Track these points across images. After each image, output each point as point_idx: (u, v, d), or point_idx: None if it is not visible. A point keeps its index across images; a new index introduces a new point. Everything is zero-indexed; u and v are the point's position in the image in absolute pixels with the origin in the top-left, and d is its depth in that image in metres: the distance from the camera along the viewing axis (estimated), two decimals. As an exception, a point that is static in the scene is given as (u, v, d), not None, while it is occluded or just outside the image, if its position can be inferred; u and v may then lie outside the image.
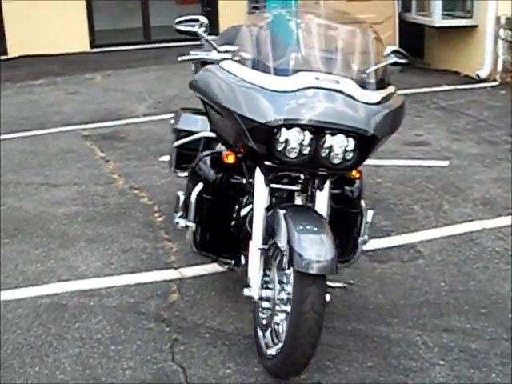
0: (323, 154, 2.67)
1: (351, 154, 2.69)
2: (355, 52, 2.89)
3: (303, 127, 2.62)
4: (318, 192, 2.87)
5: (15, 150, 6.57)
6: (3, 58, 12.17)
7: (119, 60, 11.43)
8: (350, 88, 2.70)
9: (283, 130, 2.61)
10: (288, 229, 2.62)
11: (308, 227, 2.63)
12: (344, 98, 2.66)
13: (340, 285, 3.50)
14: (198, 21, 3.06)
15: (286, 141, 2.63)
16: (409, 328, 3.12)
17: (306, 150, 2.65)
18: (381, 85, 2.86)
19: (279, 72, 2.71)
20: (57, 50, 11.95)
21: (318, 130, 2.63)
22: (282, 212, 2.73)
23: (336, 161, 2.68)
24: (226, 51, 2.95)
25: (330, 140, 2.64)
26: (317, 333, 2.56)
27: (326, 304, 2.65)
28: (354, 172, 3.04)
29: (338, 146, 2.65)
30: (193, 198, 3.00)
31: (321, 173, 2.80)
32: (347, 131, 2.63)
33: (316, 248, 2.54)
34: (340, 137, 2.65)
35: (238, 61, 2.82)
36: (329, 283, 3.30)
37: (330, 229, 2.67)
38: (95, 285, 3.73)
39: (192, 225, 3.04)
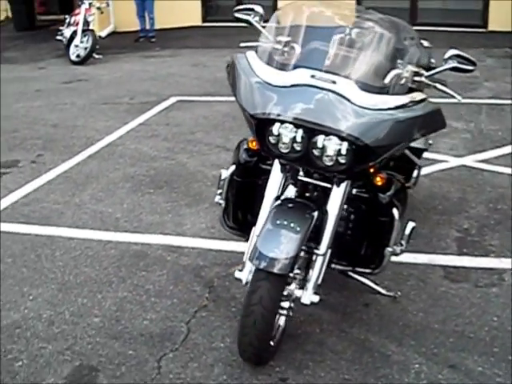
0: (316, 154, 2.64)
1: (345, 158, 2.61)
2: (373, 54, 2.75)
3: (296, 124, 2.62)
4: (334, 188, 2.84)
5: (220, 112, 7.21)
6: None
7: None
8: (347, 90, 2.60)
9: (277, 124, 2.64)
10: (265, 220, 2.68)
11: (284, 223, 2.65)
12: (337, 99, 2.58)
13: (390, 294, 3.40)
14: (253, 10, 3.16)
15: (279, 135, 2.65)
16: (416, 354, 2.93)
17: (299, 147, 2.65)
18: (401, 90, 2.69)
19: (282, 67, 2.73)
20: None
21: (310, 129, 2.61)
22: (275, 203, 2.79)
23: (328, 162, 2.63)
24: (279, 41, 2.99)
25: (321, 140, 2.60)
26: (263, 327, 2.60)
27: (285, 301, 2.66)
28: (378, 178, 2.92)
29: (330, 147, 2.60)
30: (225, 177, 3.17)
31: (319, 171, 2.76)
32: (332, 133, 2.56)
33: (276, 245, 2.57)
34: (332, 138, 2.59)
35: (256, 52, 2.89)
36: (380, 289, 3.26)
37: (308, 230, 2.65)
38: (184, 243, 4.11)
39: (222, 202, 3.21)
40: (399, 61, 2.89)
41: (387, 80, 2.78)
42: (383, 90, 2.67)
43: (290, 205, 2.82)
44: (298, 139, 2.63)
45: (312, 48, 2.79)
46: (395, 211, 3.00)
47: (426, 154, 5.17)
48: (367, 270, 3.13)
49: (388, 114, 2.61)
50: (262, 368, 2.86)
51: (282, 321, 2.85)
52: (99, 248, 4.07)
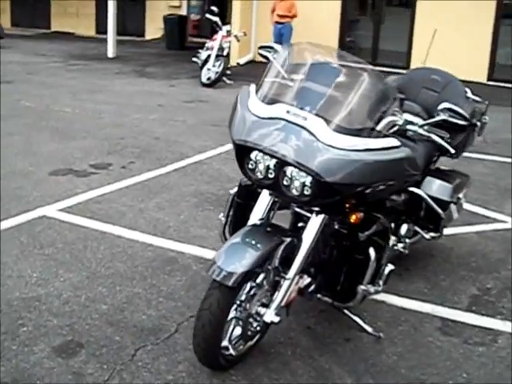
0: (285, 183, 2.89)
1: (309, 190, 2.83)
2: (350, 97, 2.93)
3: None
4: (312, 218, 3.06)
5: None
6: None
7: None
8: (316, 127, 2.81)
9: (255, 151, 2.93)
10: (235, 236, 2.95)
11: (252, 242, 2.89)
12: (304, 135, 2.81)
13: (375, 333, 3.52)
14: (273, 48, 3.46)
15: (256, 162, 2.94)
16: (362, 389, 3.05)
17: (271, 175, 2.91)
18: (373, 134, 2.87)
19: (266, 100, 3.00)
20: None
21: (281, 159, 2.85)
22: (252, 223, 3.06)
23: (294, 192, 2.87)
24: (292, 79, 3.26)
25: (290, 171, 2.85)
26: (210, 332, 2.85)
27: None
28: (353, 216, 3.09)
29: (297, 178, 2.84)
30: (229, 196, 3.49)
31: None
32: (295, 166, 2.80)
33: (231, 259, 2.82)
34: (300, 171, 2.83)
35: (257, 85, 3.17)
36: (366, 327, 3.43)
37: (269, 250, 2.88)
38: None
39: (223, 219, 3.52)
40: (396, 109, 3.07)
41: (380, 126, 2.98)
42: (354, 132, 2.85)
43: (269, 228, 3.07)
44: (271, 167, 2.89)
45: (296, 86, 3.04)
46: (371, 251, 3.14)
47: (486, 212, 5.18)
48: (342, 305, 3.29)
49: (353, 154, 2.79)
50: (219, 373, 3.11)
51: (238, 331, 3.05)
52: (139, 249, 4.49)
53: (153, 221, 5.03)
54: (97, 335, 3.40)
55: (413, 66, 12.94)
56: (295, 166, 2.81)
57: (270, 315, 3.03)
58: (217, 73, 11.12)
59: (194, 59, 11.75)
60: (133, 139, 7.45)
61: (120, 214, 5.13)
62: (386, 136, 2.94)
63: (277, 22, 12.65)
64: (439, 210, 3.98)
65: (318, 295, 3.41)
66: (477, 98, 4.41)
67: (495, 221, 5.28)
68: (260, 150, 2.89)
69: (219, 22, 11.46)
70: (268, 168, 2.91)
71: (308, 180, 2.81)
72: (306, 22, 12.76)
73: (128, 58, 14.03)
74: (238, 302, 3.02)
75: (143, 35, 17.41)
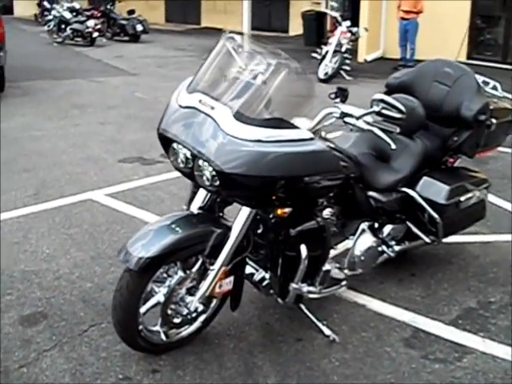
0: (198, 173, 2.92)
1: (217, 181, 2.83)
2: (262, 88, 2.84)
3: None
4: (243, 207, 3.06)
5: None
6: None
7: None
8: (221, 117, 2.76)
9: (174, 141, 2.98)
10: (159, 221, 3.03)
11: (173, 226, 2.94)
12: (210, 124, 2.78)
13: (330, 336, 3.42)
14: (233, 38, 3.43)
15: (177, 151, 2.99)
16: (286, 390, 2.98)
17: (190, 164, 2.95)
18: (282, 125, 2.79)
19: (189, 89, 3.01)
20: None
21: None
22: (188, 211, 3.12)
23: (206, 182, 2.88)
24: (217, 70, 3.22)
25: (201, 161, 2.86)
26: (121, 313, 2.94)
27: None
28: (279, 211, 3.02)
29: (207, 168, 2.85)
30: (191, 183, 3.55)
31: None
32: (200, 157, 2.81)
33: (141, 244, 2.88)
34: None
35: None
36: (323, 328, 3.40)
37: (188, 236, 2.92)
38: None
39: (185, 208, 3.59)
40: (337, 100, 2.99)
41: (317, 119, 2.93)
42: (260, 123, 2.75)
43: (203, 218, 3.10)
44: (189, 157, 2.92)
45: (214, 76, 3.02)
46: (303, 248, 3.06)
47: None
48: (281, 301, 3.24)
49: (255, 145, 2.70)
50: (150, 357, 3.20)
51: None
52: (155, 234, 4.66)
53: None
54: (64, 309, 3.63)
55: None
56: (200, 157, 2.82)
57: (193, 303, 3.06)
58: (333, 68, 11.03)
59: (314, 55, 11.74)
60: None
61: (159, 201, 5.36)
62: (295, 127, 2.85)
63: (402, 18, 12.28)
64: (433, 214, 3.74)
65: (271, 290, 3.37)
66: (505, 94, 4.08)
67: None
68: (175, 141, 2.94)
69: (339, 18, 11.36)
70: (187, 157, 2.95)
71: (213, 171, 2.81)
72: (433, 18, 12.23)
73: (261, 54, 14.29)
74: (167, 289, 3.08)
75: (287, 31, 17.65)
